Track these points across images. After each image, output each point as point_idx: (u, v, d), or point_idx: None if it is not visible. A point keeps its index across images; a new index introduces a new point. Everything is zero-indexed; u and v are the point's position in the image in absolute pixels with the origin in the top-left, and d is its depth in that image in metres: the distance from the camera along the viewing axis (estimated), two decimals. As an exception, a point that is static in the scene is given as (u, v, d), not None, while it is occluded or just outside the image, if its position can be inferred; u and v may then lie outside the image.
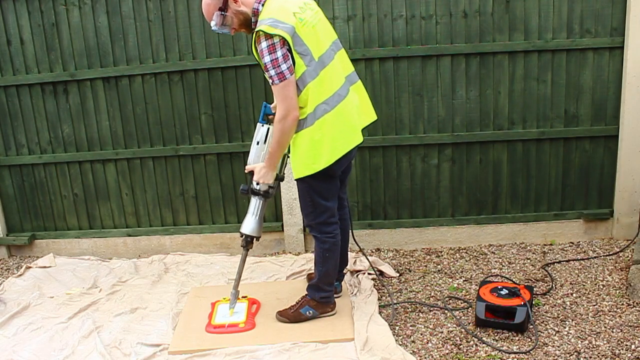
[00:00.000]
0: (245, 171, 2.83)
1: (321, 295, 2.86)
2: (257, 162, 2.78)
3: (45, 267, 3.86)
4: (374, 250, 3.84)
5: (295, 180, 2.66)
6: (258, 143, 2.81)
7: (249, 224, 2.89)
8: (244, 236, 2.91)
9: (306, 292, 2.92)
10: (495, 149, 3.71)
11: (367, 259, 3.31)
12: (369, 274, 3.37)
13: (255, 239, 2.93)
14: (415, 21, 3.55)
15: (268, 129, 2.78)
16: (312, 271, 3.22)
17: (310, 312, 2.87)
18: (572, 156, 3.70)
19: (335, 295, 3.06)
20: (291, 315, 2.89)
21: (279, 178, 2.86)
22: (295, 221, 3.81)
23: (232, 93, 3.75)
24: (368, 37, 3.59)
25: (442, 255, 3.70)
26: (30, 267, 3.86)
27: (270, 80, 2.47)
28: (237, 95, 3.74)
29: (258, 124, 2.83)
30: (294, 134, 2.57)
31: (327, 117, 2.55)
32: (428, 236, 3.84)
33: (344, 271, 3.21)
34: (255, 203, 2.88)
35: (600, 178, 3.72)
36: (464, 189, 3.79)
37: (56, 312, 3.20)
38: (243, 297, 3.11)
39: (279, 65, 2.42)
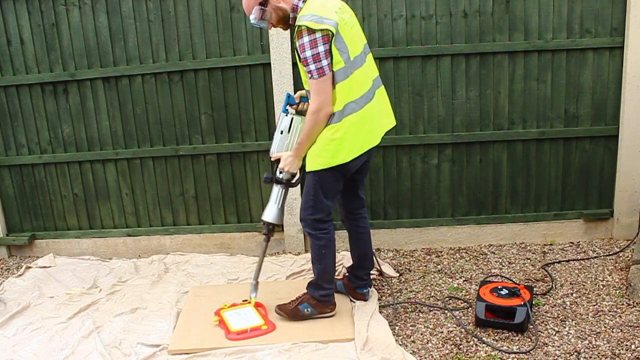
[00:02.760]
0: (272, 159, 2.86)
1: (321, 294, 2.85)
2: (281, 151, 2.81)
3: (45, 267, 3.86)
4: (374, 251, 3.83)
5: (307, 172, 2.69)
6: (282, 132, 2.83)
7: (271, 212, 2.90)
8: (265, 224, 2.92)
9: (306, 290, 2.92)
10: (495, 149, 3.71)
11: (378, 263, 3.31)
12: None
13: (276, 226, 2.95)
14: (415, 21, 3.56)
15: (292, 118, 2.81)
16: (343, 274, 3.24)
17: (309, 309, 2.87)
18: (572, 156, 3.70)
19: (360, 301, 3.06)
20: (289, 311, 2.89)
21: (303, 168, 2.86)
22: (295, 221, 3.81)
23: (232, 93, 3.75)
24: (368, 37, 3.58)
25: (442, 255, 3.70)
26: (30, 267, 3.86)
27: (309, 75, 2.51)
28: (237, 95, 3.74)
29: (281, 113, 2.87)
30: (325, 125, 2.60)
31: (353, 116, 2.59)
32: (428, 236, 3.84)
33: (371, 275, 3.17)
34: (277, 191, 2.89)
35: (600, 178, 3.72)
36: (464, 189, 3.79)
37: (56, 312, 3.20)
38: (244, 300, 3.08)
39: (320, 60, 2.47)
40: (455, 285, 3.28)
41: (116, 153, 3.91)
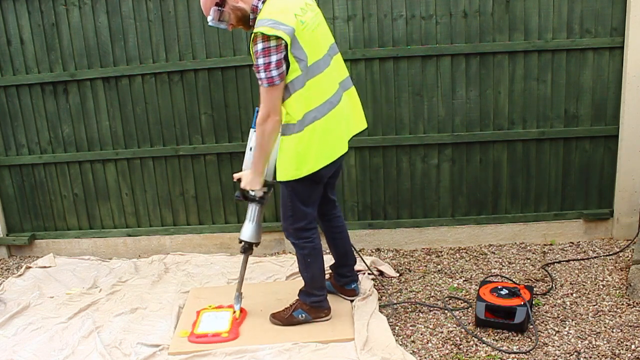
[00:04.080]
0: (234, 179, 2.82)
1: (312, 300, 2.83)
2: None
3: (45, 267, 3.86)
4: (374, 250, 3.84)
5: (279, 182, 2.65)
6: (251, 149, 2.79)
7: (247, 230, 2.88)
8: (242, 242, 2.90)
9: (298, 296, 2.91)
10: (495, 149, 3.71)
11: (364, 260, 3.29)
12: (369, 274, 3.37)
13: (254, 244, 2.91)
14: (415, 21, 3.55)
15: None
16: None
17: (303, 315, 2.84)
18: (572, 156, 3.70)
19: (352, 297, 3.07)
20: (284, 319, 2.87)
21: (269, 184, 2.82)
22: (295, 221, 3.81)
23: (232, 93, 3.75)
24: (368, 37, 3.59)
25: (442, 255, 3.70)
26: (30, 267, 3.86)
27: (259, 82, 2.45)
28: (237, 95, 3.74)
29: (251, 130, 2.81)
30: (276, 138, 2.55)
31: (316, 125, 2.52)
32: (428, 236, 3.84)
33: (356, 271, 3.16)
34: (252, 209, 2.86)
35: (600, 178, 3.72)
36: (464, 189, 3.79)
37: (56, 312, 3.20)
38: (229, 306, 3.05)
39: (271, 70, 2.39)
40: (455, 285, 3.28)
41: (116, 153, 3.91)
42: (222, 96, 3.76)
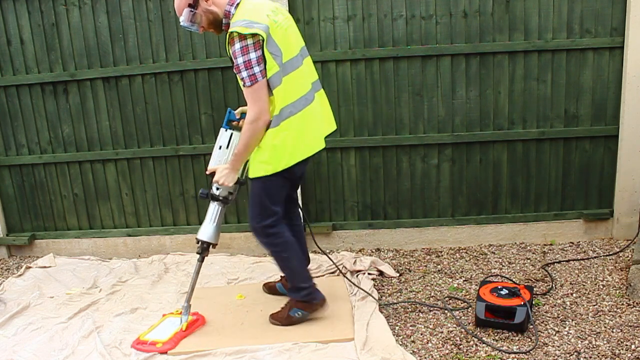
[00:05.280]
0: (207, 172, 2.80)
1: (302, 295, 2.82)
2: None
3: (45, 267, 3.86)
4: (374, 250, 3.84)
5: (251, 179, 2.64)
6: (220, 147, 2.79)
7: (207, 230, 2.81)
8: (199, 242, 2.83)
9: (289, 296, 2.89)
10: (495, 149, 3.71)
11: (331, 259, 3.25)
12: (369, 274, 3.37)
13: (212, 245, 2.85)
14: (415, 21, 3.55)
15: (231, 134, 2.78)
16: (268, 281, 3.25)
17: (299, 313, 2.83)
18: (572, 156, 3.70)
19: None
20: (282, 319, 2.86)
21: (240, 182, 2.80)
22: (295, 221, 3.81)
23: (232, 93, 3.75)
24: (368, 37, 3.59)
25: (442, 255, 3.70)
26: (30, 267, 3.86)
27: (241, 82, 2.46)
28: (237, 95, 3.74)
29: (221, 129, 2.80)
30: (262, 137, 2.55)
31: (292, 120, 2.55)
32: (428, 236, 3.84)
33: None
34: (213, 209, 2.83)
35: (600, 178, 3.72)
36: (464, 189, 3.79)
37: (56, 312, 3.20)
38: (193, 313, 2.96)
39: (252, 67, 2.41)
40: (455, 285, 3.28)
41: (116, 153, 3.91)
42: (222, 96, 3.76)
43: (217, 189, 2.78)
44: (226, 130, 2.80)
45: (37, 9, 3.72)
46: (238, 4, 2.53)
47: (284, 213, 2.88)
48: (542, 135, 3.65)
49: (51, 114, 3.90)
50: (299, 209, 3.05)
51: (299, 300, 2.83)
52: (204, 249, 2.84)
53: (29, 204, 4.10)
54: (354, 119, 3.71)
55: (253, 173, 2.62)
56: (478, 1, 3.50)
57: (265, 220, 2.69)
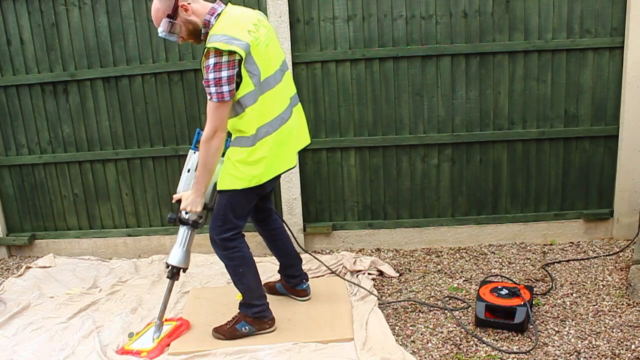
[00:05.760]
0: (173, 200, 2.76)
1: (253, 312, 2.76)
2: (187, 189, 2.71)
3: (45, 267, 3.86)
4: (374, 250, 3.84)
5: (219, 191, 2.61)
6: (189, 171, 2.74)
7: (176, 255, 2.78)
8: (169, 267, 2.79)
9: (239, 309, 2.83)
10: (495, 149, 3.71)
11: (320, 260, 3.25)
12: (369, 274, 3.37)
13: (182, 270, 2.82)
14: (415, 21, 3.56)
15: None
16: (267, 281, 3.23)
17: (247, 328, 2.77)
18: (572, 156, 3.70)
19: (304, 298, 3.07)
20: (227, 331, 2.78)
21: (209, 207, 2.75)
22: (295, 221, 3.81)
23: (232, 93, 3.75)
24: (368, 37, 3.59)
25: (442, 255, 3.70)
26: (30, 267, 3.86)
27: (208, 97, 2.41)
28: (237, 95, 3.74)
29: (190, 151, 2.77)
30: (220, 156, 2.52)
31: (268, 139, 2.52)
32: (428, 236, 3.84)
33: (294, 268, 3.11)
34: (183, 233, 2.79)
35: (600, 178, 3.72)
36: (464, 189, 3.79)
37: (56, 312, 3.20)
38: (178, 319, 2.95)
39: (222, 85, 2.36)
40: (455, 285, 3.28)
41: (116, 153, 3.91)
42: (222, 96, 3.76)
43: (186, 213, 2.72)
44: (194, 152, 2.74)
45: (37, 9, 3.72)
46: (219, 14, 2.46)
47: (258, 221, 2.91)
48: (542, 135, 3.65)
49: (51, 114, 3.90)
50: (271, 206, 2.99)
51: (249, 316, 2.77)
52: (174, 273, 2.79)
53: (29, 204, 4.10)
54: (354, 119, 3.71)
55: (222, 185, 2.58)
56: (478, 1, 3.50)
57: (225, 233, 2.64)
